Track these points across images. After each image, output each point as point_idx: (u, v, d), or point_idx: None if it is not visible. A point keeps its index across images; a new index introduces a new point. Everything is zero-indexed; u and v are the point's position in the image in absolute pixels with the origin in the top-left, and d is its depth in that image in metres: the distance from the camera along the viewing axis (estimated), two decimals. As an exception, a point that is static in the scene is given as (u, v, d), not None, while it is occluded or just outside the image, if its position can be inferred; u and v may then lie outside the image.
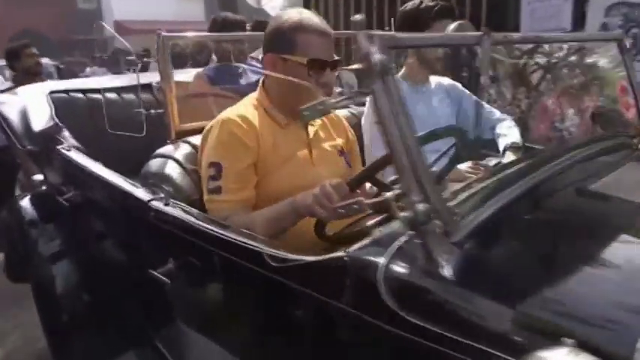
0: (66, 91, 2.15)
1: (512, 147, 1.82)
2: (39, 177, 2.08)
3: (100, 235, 1.81)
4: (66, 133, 1.88)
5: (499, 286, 0.78)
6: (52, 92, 2.10)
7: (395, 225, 0.87)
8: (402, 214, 0.77)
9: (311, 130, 1.43)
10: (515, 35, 1.83)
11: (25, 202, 2.06)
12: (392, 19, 2.08)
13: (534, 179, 1.05)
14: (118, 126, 1.75)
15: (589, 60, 2.52)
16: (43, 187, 2.05)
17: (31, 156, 2.07)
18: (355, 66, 0.78)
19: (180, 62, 3.93)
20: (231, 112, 1.34)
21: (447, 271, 0.76)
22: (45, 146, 1.89)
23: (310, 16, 1.31)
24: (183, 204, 1.29)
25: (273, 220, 1.21)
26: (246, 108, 1.37)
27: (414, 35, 1.06)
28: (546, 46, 2.64)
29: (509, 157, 1.78)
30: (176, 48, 3.55)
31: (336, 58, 1.33)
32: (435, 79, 1.91)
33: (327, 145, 1.45)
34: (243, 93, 2.07)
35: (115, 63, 9.21)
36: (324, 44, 1.29)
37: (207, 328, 1.33)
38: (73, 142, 1.84)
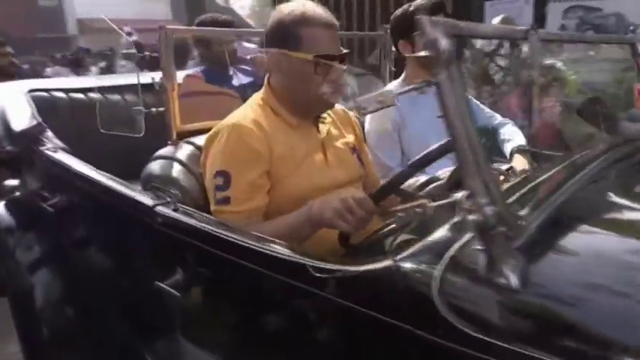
0: (46, 90, 2.01)
1: (520, 150, 1.79)
2: (13, 182, 1.94)
3: (89, 243, 1.68)
4: (49, 134, 1.75)
5: (570, 297, 0.73)
6: (31, 91, 1.96)
7: (442, 231, 0.82)
8: (471, 217, 0.71)
9: (322, 128, 1.36)
10: (558, 33, 1.82)
11: (0, 209, 1.91)
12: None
13: (584, 178, 1.01)
14: (106, 127, 1.64)
15: (548, 61, 2.57)
16: (17, 193, 1.91)
17: (6, 159, 1.92)
18: (423, 53, 0.72)
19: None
20: (238, 116, 1.25)
21: (512, 281, 0.71)
22: (26, 147, 1.76)
23: (314, 8, 1.23)
24: (193, 209, 1.21)
25: (287, 231, 1.13)
26: (254, 110, 1.28)
27: (472, 24, 1.00)
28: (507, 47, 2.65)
29: (518, 160, 1.76)
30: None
31: (344, 50, 1.25)
32: None
33: (339, 144, 1.38)
34: (241, 93, 1.99)
35: (77, 62, 8.88)
36: (330, 37, 1.22)
37: (223, 348, 1.21)
38: (58, 143, 1.71)
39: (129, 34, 2.32)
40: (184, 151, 1.41)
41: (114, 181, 1.40)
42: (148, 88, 1.50)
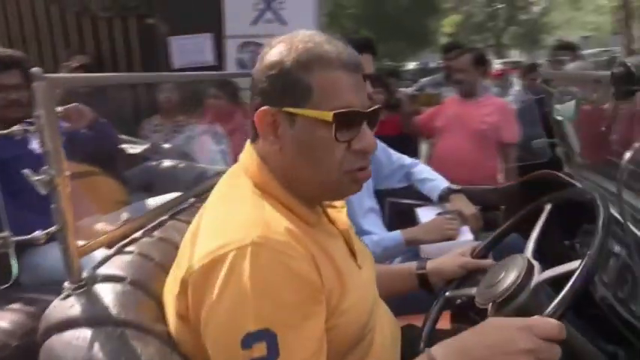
0: None
1: (453, 191, 1.78)
2: None
3: None
4: None
5: None
6: None
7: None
8: None
9: (331, 213, 0.97)
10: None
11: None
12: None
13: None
14: None
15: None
16: None
17: None
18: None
19: None
20: (256, 227, 0.74)
21: None
22: None
23: (327, 41, 0.83)
24: None
25: None
26: (262, 208, 0.80)
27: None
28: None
29: (457, 202, 1.73)
30: None
31: (375, 106, 0.86)
32: None
33: (351, 230, 0.99)
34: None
35: None
36: (356, 85, 0.82)
37: None
38: None
39: None
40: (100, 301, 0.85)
41: None
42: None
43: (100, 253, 0.99)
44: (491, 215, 1.85)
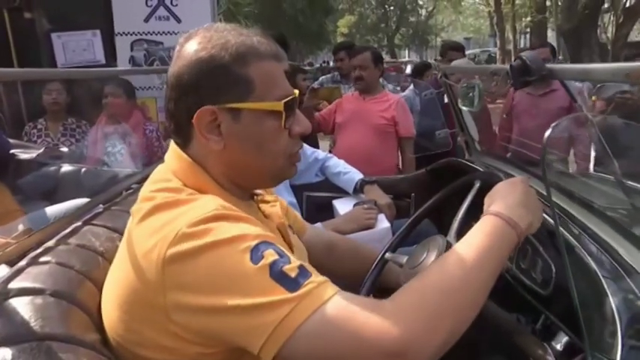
0: None
1: (368, 182, 1.87)
2: None
3: None
4: None
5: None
6: None
7: None
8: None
9: (266, 210, 0.95)
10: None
11: None
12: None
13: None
14: None
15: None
16: None
17: None
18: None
19: None
20: (213, 204, 0.73)
21: None
22: None
23: (251, 33, 0.81)
24: None
25: (479, 262, 0.74)
26: (211, 201, 0.76)
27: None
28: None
29: (373, 192, 1.82)
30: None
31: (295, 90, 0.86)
32: None
33: (284, 222, 0.97)
34: None
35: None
36: (284, 73, 0.82)
37: None
38: None
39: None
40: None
41: None
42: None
43: (2, 268, 0.89)
44: (403, 203, 1.96)
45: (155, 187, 0.80)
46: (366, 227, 1.66)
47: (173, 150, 0.84)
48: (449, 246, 0.94)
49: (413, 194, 1.99)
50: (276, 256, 0.66)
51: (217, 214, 0.70)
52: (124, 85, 2.89)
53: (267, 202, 0.97)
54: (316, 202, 2.00)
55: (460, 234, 1.00)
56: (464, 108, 1.67)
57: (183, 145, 0.82)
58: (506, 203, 0.86)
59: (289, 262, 0.67)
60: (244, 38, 0.79)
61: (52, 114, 2.95)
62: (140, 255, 0.72)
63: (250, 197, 0.91)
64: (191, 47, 0.78)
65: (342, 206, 1.81)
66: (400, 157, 2.96)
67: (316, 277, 0.67)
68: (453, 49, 3.62)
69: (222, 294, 0.65)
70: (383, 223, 1.70)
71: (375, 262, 1.12)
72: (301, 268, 0.67)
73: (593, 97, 3.11)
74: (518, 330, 0.98)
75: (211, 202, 0.73)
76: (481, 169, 1.59)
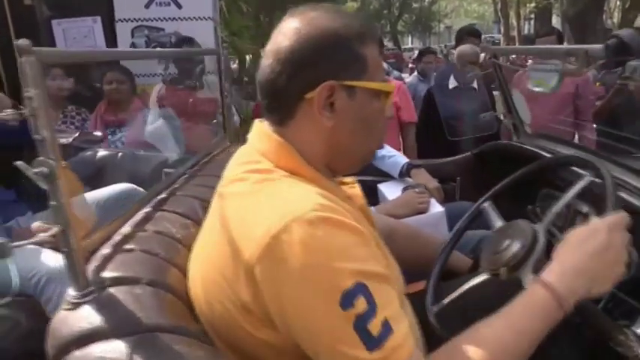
0: None
1: (415, 166, 1.81)
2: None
3: None
4: None
5: None
6: None
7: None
8: None
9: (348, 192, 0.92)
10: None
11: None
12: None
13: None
14: None
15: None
16: None
17: None
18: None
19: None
20: (307, 200, 0.69)
21: None
22: None
23: (358, 15, 0.86)
24: None
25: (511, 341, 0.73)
26: (305, 187, 0.75)
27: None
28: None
29: (420, 176, 1.76)
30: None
31: None
32: None
33: (364, 203, 0.95)
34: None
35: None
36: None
37: None
38: None
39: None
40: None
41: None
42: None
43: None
44: (448, 187, 1.90)
45: (245, 169, 0.79)
46: (419, 212, 1.61)
47: (260, 130, 0.82)
48: (535, 234, 0.89)
49: (458, 178, 1.93)
50: (366, 306, 0.65)
51: (317, 217, 0.67)
52: (126, 72, 2.87)
53: (347, 183, 0.95)
54: (360, 186, 1.98)
55: (555, 225, 0.95)
56: (537, 89, 1.55)
57: (280, 124, 0.80)
58: (563, 268, 0.77)
59: (375, 316, 0.65)
60: (359, 20, 0.80)
61: (53, 102, 2.93)
62: (235, 246, 0.71)
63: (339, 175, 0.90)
64: (308, 23, 0.77)
65: (389, 190, 1.77)
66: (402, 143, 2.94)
67: (398, 332, 0.66)
68: (471, 35, 3.50)
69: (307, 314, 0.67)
70: (436, 207, 1.64)
71: (444, 247, 1.11)
72: (385, 323, 0.66)
73: (597, 83, 3.07)
74: (596, 313, 0.93)
75: (309, 198, 0.70)
76: (538, 151, 1.53)
